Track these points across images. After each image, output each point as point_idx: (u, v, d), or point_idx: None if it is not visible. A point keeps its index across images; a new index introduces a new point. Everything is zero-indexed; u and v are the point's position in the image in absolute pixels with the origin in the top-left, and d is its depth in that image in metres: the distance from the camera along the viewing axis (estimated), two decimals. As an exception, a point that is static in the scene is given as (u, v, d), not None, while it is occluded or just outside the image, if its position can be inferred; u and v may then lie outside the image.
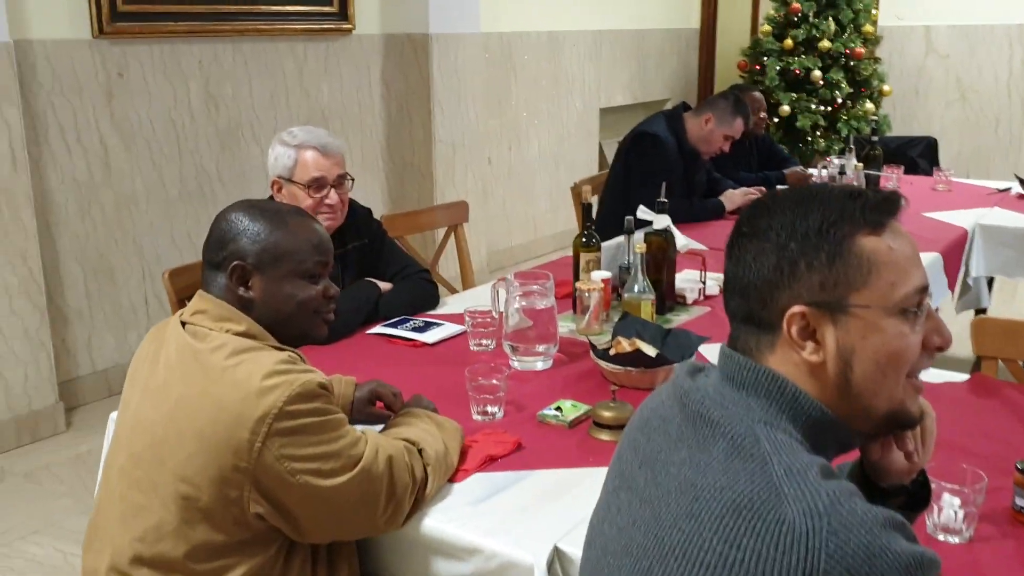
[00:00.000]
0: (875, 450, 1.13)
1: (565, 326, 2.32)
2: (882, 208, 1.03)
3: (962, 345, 2.10)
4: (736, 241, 1.08)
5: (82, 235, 3.77)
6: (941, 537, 1.42)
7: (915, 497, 1.19)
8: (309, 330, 1.56)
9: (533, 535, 1.43)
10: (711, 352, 2.03)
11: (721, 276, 1.14)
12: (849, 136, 5.91)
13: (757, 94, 4.64)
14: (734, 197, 3.74)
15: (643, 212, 2.58)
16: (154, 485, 1.41)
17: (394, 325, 2.37)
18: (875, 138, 4.32)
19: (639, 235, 2.47)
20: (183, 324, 1.49)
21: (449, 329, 2.34)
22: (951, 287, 3.41)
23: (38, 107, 3.56)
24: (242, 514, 1.39)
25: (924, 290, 1.03)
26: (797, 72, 6.59)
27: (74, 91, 3.67)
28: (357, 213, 2.56)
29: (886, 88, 6.75)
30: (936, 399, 1.24)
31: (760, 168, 4.50)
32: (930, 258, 3.10)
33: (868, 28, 6.73)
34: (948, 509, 1.40)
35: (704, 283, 2.61)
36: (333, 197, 2.38)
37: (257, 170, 4.31)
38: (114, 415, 1.77)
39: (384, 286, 2.48)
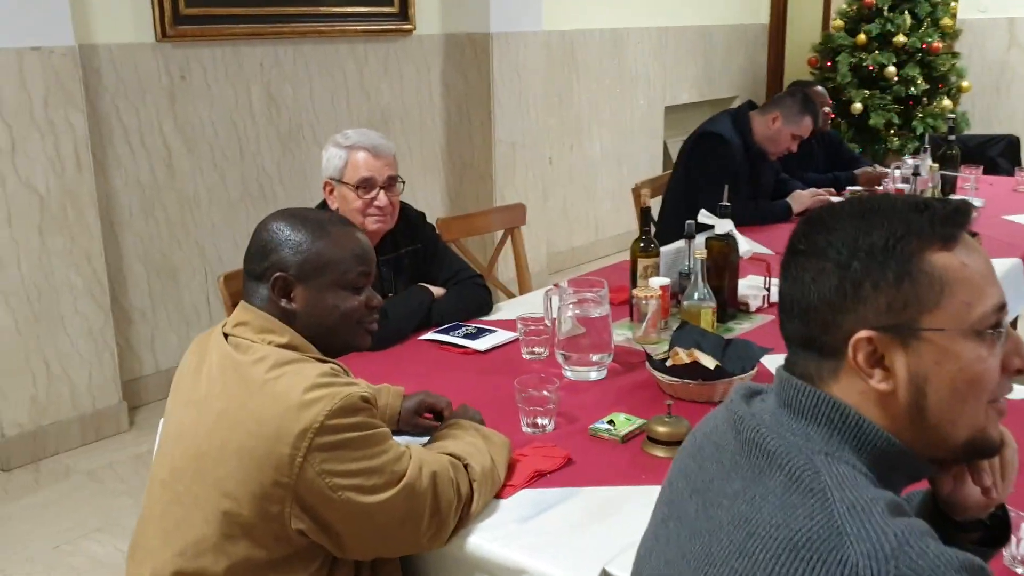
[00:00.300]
0: (947, 483, 1.04)
1: (621, 334, 2.26)
2: (953, 220, 0.94)
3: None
4: (792, 260, 1.00)
5: (145, 236, 3.82)
6: (1020, 571, 1.32)
7: (993, 532, 1.10)
8: (352, 341, 1.53)
9: (581, 557, 1.39)
10: (775, 363, 1.94)
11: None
12: (924, 135, 5.71)
13: (820, 88, 4.50)
14: (802, 198, 3.62)
15: (704, 216, 2.50)
16: (195, 499, 1.40)
17: (446, 331, 2.33)
18: (952, 137, 4.12)
19: (700, 240, 2.38)
20: (225, 336, 1.48)
21: (501, 336, 2.29)
22: (1033, 294, 3.24)
23: (103, 110, 3.62)
24: (283, 530, 1.36)
25: (1002, 308, 0.94)
26: (870, 68, 6.38)
27: (137, 94, 3.71)
28: (410, 217, 2.53)
29: (965, 84, 6.49)
30: (1012, 415, 1.14)
31: (828, 168, 4.35)
32: (1009, 264, 2.96)
33: (947, 21, 6.48)
34: (1029, 541, 1.31)
35: (768, 290, 2.52)
36: (383, 199, 2.35)
37: (317, 172, 4.26)
38: (162, 423, 1.76)
39: (437, 291, 2.44)
